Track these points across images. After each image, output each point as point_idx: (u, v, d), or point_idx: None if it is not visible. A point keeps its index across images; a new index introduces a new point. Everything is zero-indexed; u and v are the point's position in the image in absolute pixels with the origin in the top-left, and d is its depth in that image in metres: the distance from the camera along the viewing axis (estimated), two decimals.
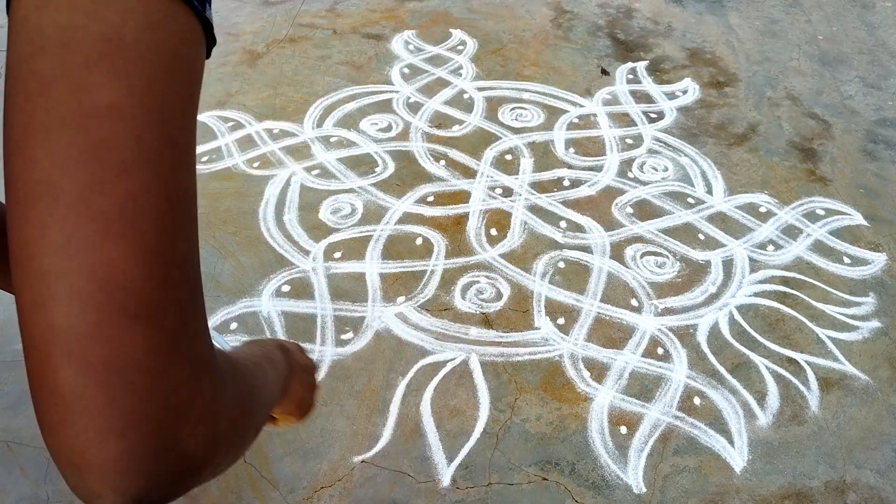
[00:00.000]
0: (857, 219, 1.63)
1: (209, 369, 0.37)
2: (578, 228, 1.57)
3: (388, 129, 1.83)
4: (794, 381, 1.28)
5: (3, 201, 0.78)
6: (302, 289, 1.40)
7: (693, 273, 1.48)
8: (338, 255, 1.47)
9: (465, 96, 1.96)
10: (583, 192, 1.67)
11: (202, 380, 0.36)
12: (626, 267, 1.48)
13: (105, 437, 0.32)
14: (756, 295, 1.44)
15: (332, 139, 1.79)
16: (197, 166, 1.88)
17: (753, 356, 1.32)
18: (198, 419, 0.36)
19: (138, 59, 0.33)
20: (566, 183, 1.69)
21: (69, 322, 0.31)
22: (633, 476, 1.13)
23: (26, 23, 0.32)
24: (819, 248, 1.55)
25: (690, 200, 1.66)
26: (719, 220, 1.61)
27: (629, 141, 1.84)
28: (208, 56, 0.40)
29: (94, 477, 0.32)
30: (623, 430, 1.19)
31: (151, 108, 0.34)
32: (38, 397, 0.32)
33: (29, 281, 0.32)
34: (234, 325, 1.30)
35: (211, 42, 0.39)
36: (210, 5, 0.39)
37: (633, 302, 1.41)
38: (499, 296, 1.41)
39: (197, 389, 0.36)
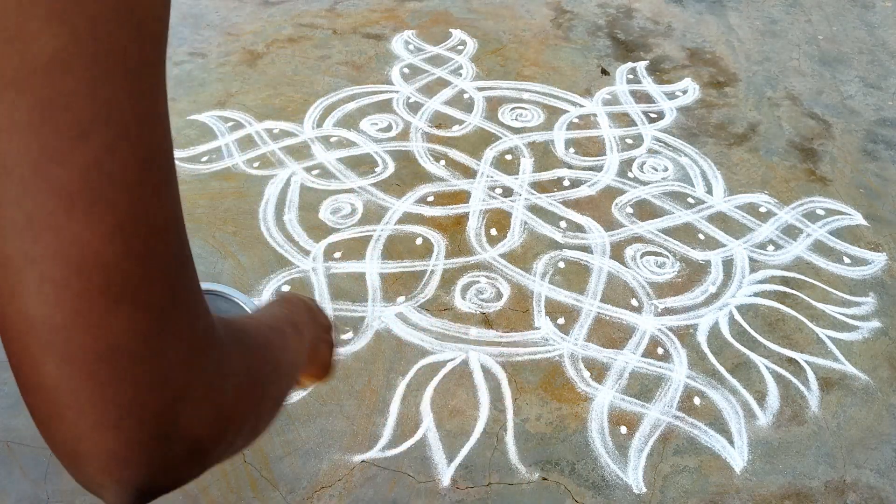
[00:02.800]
0: (857, 219, 1.63)
1: (209, 344, 0.34)
2: (578, 228, 1.57)
3: (388, 129, 1.83)
4: (794, 381, 1.28)
5: None
6: (302, 289, 1.40)
7: (693, 273, 1.48)
8: (338, 255, 1.47)
9: (465, 96, 1.96)
10: (583, 192, 1.67)
11: (201, 357, 0.33)
12: (626, 267, 1.48)
13: (98, 429, 0.29)
14: (756, 295, 1.44)
15: (332, 139, 1.79)
16: (197, 166, 1.88)
17: (753, 356, 1.32)
18: (200, 399, 0.33)
19: (80, 1, 0.28)
20: (566, 183, 1.69)
21: (44, 311, 0.28)
22: (633, 476, 1.13)
23: None
24: (819, 248, 1.55)
25: (690, 200, 1.66)
26: (719, 220, 1.61)
27: (629, 141, 1.84)
28: None
29: (93, 469, 0.30)
30: (623, 430, 1.19)
31: (105, 57, 0.29)
32: (24, 392, 0.30)
33: None
34: None
35: None
36: None
37: (633, 302, 1.41)
38: (499, 296, 1.41)
39: (196, 368, 0.33)
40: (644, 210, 1.62)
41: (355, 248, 1.49)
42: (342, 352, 1.30)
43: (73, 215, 0.28)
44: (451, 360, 1.28)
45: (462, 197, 1.63)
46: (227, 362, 0.36)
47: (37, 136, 0.27)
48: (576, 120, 1.90)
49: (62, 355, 0.29)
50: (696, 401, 1.24)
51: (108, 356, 0.29)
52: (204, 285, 0.68)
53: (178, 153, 1.72)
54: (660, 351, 1.32)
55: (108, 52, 0.29)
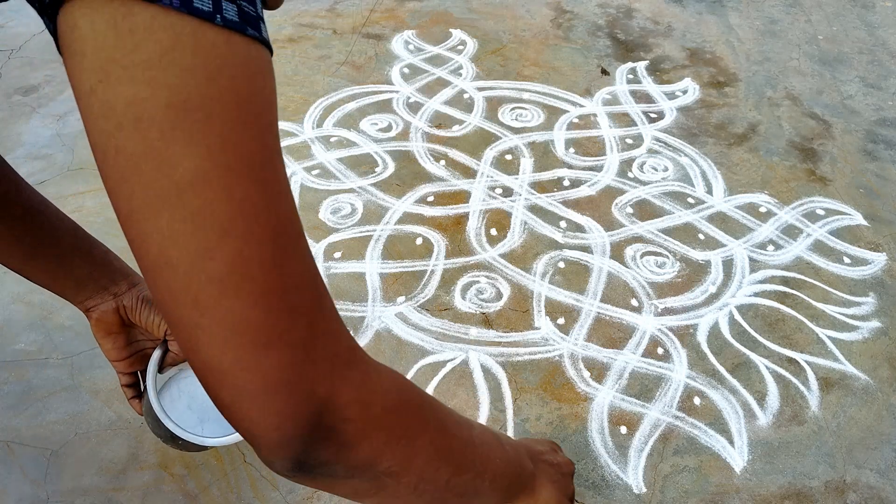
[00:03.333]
0: (857, 219, 1.63)
1: (353, 359, 0.44)
2: (578, 228, 1.57)
3: (388, 129, 1.83)
4: (795, 381, 1.28)
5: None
6: None
7: (693, 273, 1.48)
8: (338, 255, 1.47)
9: (465, 96, 1.96)
10: (583, 192, 1.67)
11: (346, 368, 0.43)
12: (626, 267, 1.48)
13: (266, 431, 0.40)
14: (756, 295, 1.44)
15: (332, 139, 1.79)
16: None
17: (753, 356, 1.32)
18: (346, 403, 0.42)
19: (207, 119, 0.35)
20: (566, 183, 1.69)
21: (215, 360, 0.38)
22: (633, 476, 1.13)
23: (94, 96, 0.34)
24: (819, 248, 1.55)
25: (690, 200, 1.66)
26: (719, 220, 1.61)
27: (629, 141, 1.84)
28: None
29: (266, 451, 0.42)
30: (623, 430, 1.19)
31: (232, 163, 0.36)
32: (216, 404, 0.41)
33: (176, 329, 0.38)
34: None
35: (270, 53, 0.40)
36: (264, 22, 0.40)
37: (633, 302, 1.41)
38: (499, 296, 1.41)
39: (341, 378, 0.42)
40: (644, 210, 1.62)
41: (355, 248, 1.49)
42: None
43: (224, 295, 0.37)
44: (451, 360, 1.28)
45: (462, 197, 1.63)
46: (376, 379, 0.46)
47: (192, 239, 0.35)
48: (576, 120, 1.90)
49: (233, 389, 0.39)
50: (696, 401, 1.24)
51: (263, 387, 0.39)
52: None
53: None
54: (660, 351, 1.32)
55: (239, 159, 0.36)
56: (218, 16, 0.35)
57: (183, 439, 0.92)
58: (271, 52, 0.40)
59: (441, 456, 0.52)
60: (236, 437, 0.96)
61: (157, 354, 0.93)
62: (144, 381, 0.95)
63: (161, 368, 0.94)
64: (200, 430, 1.01)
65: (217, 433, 0.99)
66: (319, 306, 0.42)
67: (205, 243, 0.36)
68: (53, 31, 0.37)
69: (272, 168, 0.39)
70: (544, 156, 1.77)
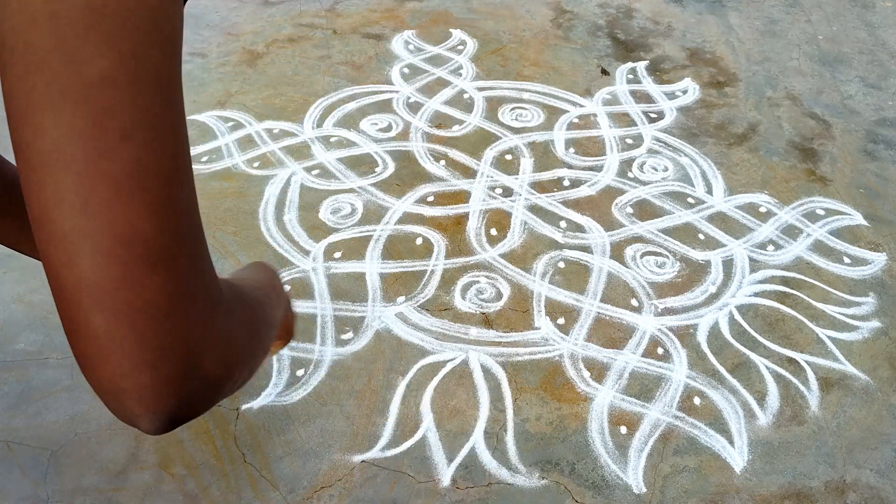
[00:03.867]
0: (857, 219, 1.63)
1: (220, 303, 0.43)
2: (578, 228, 1.57)
3: (388, 129, 1.83)
4: (794, 381, 1.28)
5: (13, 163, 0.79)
6: (302, 289, 1.40)
7: (693, 273, 1.48)
8: (338, 255, 1.47)
9: (465, 96, 1.96)
10: (583, 192, 1.67)
11: (215, 313, 0.41)
12: (626, 267, 1.48)
13: (139, 369, 0.37)
14: (756, 295, 1.44)
15: (332, 139, 1.79)
16: (197, 166, 1.89)
17: (753, 356, 1.32)
18: (214, 346, 0.41)
19: (122, 28, 0.35)
20: (566, 183, 1.69)
21: (96, 276, 0.35)
22: (633, 476, 1.13)
23: None
24: (819, 248, 1.55)
25: (690, 200, 1.66)
26: (719, 220, 1.61)
27: (629, 141, 1.84)
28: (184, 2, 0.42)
29: (132, 402, 0.38)
30: (623, 430, 1.19)
31: (142, 73, 0.36)
32: (74, 341, 0.37)
33: (53, 242, 0.36)
34: None
35: None
36: None
37: (633, 302, 1.41)
38: (499, 296, 1.41)
39: (212, 322, 0.41)
40: (644, 210, 1.62)
41: (355, 248, 1.49)
42: (342, 352, 1.30)
43: (119, 199, 0.35)
44: (451, 360, 1.28)
45: (462, 197, 1.63)
46: (234, 318, 0.45)
47: (91, 137, 0.35)
48: (576, 120, 1.90)
49: (110, 310, 0.36)
50: (696, 401, 1.24)
51: (146, 310, 0.36)
52: None
53: None
54: (660, 351, 1.32)
55: (145, 69, 0.37)
56: None
57: None
58: None
59: (264, 352, 0.55)
60: None
61: None
62: None
63: None
64: None
65: None
66: (201, 236, 0.41)
67: (105, 143, 0.35)
68: None
69: (176, 90, 0.39)
70: (544, 156, 1.77)
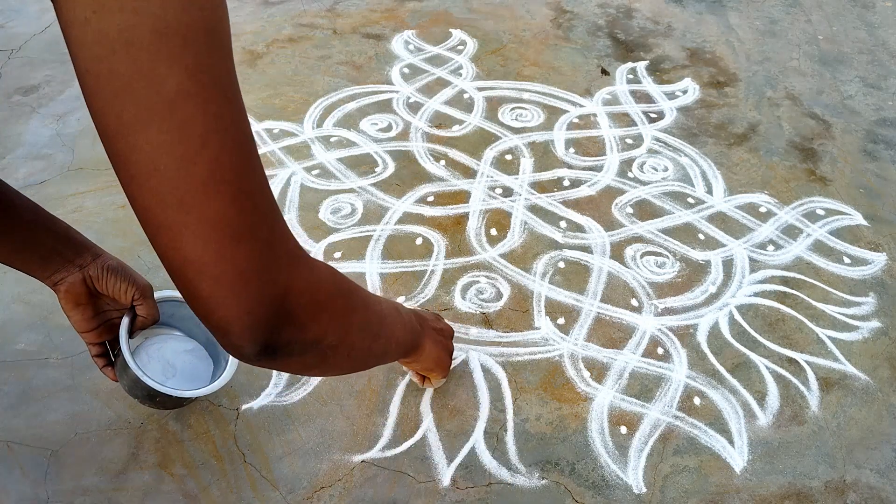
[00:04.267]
0: (857, 219, 1.63)
1: (300, 256, 0.54)
2: (578, 228, 1.57)
3: (388, 129, 1.83)
4: (794, 381, 1.28)
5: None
6: None
7: (693, 273, 1.48)
8: (338, 255, 1.47)
9: (465, 96, 1.96)
10: (583, 192, 1.67)
11: (297, 264, 0.53)
12: (626, 267, 1.48)
13: (240, 316, 0.48)
14: (756, 295, 1.44)
15: (332, 139, 1.79)
16: None
17: (753, 356, 1.32)
18: (300, 291, 0.53)
19: (185, 45, 0.41)
20: (566, 183, 1.69)
21: (196, 255, 0.45)
22: (633, 476, 1.13)
23: (88, 25, 0.39)
24: (819, 248, 1.55)
25: (690, 200, 1.66)
26: (719, 220, 1.61)
27: (629, 141, 1.84)
28: None
29: (237, 339, 0.49)
30: (623, 430, 1.19)
31: (208, 82, 0.42)
32: (190, 303, 0.48)
33: (160, 232, 0.45)
34: None
35: None
36: None
37: (633, 302, 1.41)
38: (499, 296, 1.41)
39: (295, 271, 0.52)
40: (644, 210, 1.62)
41: (355, 248, 1.49)
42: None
43: (206, 194, 0.43)
44: (452, 359, 1.28)
45: (462, 197, 1.63)
46: (318, 271, 0.57)
47: (178, 147, 0.41)
48: (576, 120, 1.90)
49: (211, 278, 0.46)
50: (696, 401, 1.24)
51: (238, 274, 0.46)
52: (162, 293, 1.02)
53: None
54: (660, 351, 1.32)
55: (210, 77, 0.43)
56: None
57: (161, 394, 0.96)
58: None
59: (365, 328, 0.67)
60: (214, 387, 1.01)
61: (126, 319, 0.98)
62: (114, 351, 0.99)
63: (131, 333, 0.98)
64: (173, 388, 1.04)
65: (187, 388, 1.03)
66: (275, 209, 0.50)
67: (189, 150, 0.41)
68: None
69: (235, 88, 0.46)
70: (544, 156, 1.77)
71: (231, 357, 1.06)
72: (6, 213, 0.84)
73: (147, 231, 0.45)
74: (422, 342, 0.96)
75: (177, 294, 1.08)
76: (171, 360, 1.09)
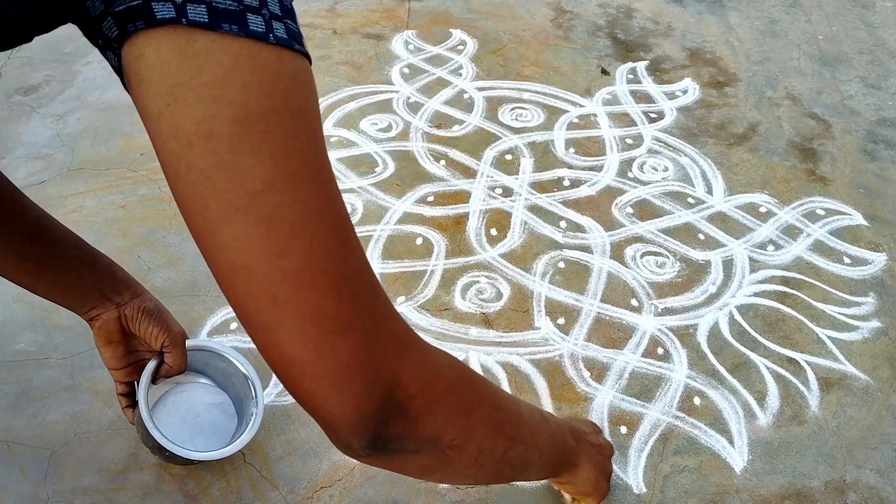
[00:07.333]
0: (857, 219, 1.63)
1: (410, 341, 0.48)
2: (578, 228, 1.57)
3: (388, 129, 1.83)
4: (794, 381, 1.28)
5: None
6: None
7: (693, 273, 1.48)
8: None
9: (465, 96, 1.97)
10: (583, 192, 1.67)
11: (406, 351, 0.47)
12: (626, 267, 1.48)
13: (344, 413, 0.44)
14: (756, 295, 1.44)
15: (332, 139, 1.79)
16: None
17: (753, 356, 1.32)
18: (410, 380, 0.47)
19: (268, 130, 0.38)
20: (566, 183, 1.69)
21: (296, 353, 0.42)
22: (633, 476, 1.13)
23: (163, 118, 0.37)
24: (819, 248, 1.55)
25: (690, 200, 1.66)
26: (719, 220, 1.61)
27: (629, 141, 1.84)
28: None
29: (345, 433, 0.45)
30: (623, 429, 1.19)
31: (295, 168, 0.39)
32: (295, 396, 0.45)
33: (256, 330, 0.42)
34: (234, 325, 1.30)
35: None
36: (301, 36, 0.43)
37: (633, 302, 1.41)
38: (499, 296, 1.41)
39: (403, 359, 0.47)
40: (644, 210, 1.62)
41: None
42: None
43: (300, 288, 0.40)
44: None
45: (462, 197, 1.63)
46: (433, 360, 0.50)
47: (266, 242, 0.39)
48: (576, 120, 1.90)
49: (313, 377, 0.43)
50: (696, 401, 1.24)
51: (340, 370, 0.43)
52: (200, 342, 0.93)
53: None
54: (660, 351, 1.32)
55: (297, 162, 0.39)
56: (270, 35, 0.38)
57: (169, 451, 0.94)
58: (311, 62, 0.43)
59: (496, 428, 0.57)
60: (223, 452, 0.99)
61: (151, 365, 0.95)
62: None
63: (155, 379, 0.96)
64: (192, 444, 1.02)
65: (208, 447, 1.01)
66: (377, 293, 0.46)
67: (278, 244, 0.39)
68: (118, 66, 0.39)
69: (327, 169, 0.43)
70: (544, 156, 1.77)
71: (252, 422, 1.05)
72: (49, 248, 0.81)
73: (243, 326, 0.43)
74: (577, 460, 0.79)
75: (213, 343, 1.06)
76: (195, 411, 1.07)
